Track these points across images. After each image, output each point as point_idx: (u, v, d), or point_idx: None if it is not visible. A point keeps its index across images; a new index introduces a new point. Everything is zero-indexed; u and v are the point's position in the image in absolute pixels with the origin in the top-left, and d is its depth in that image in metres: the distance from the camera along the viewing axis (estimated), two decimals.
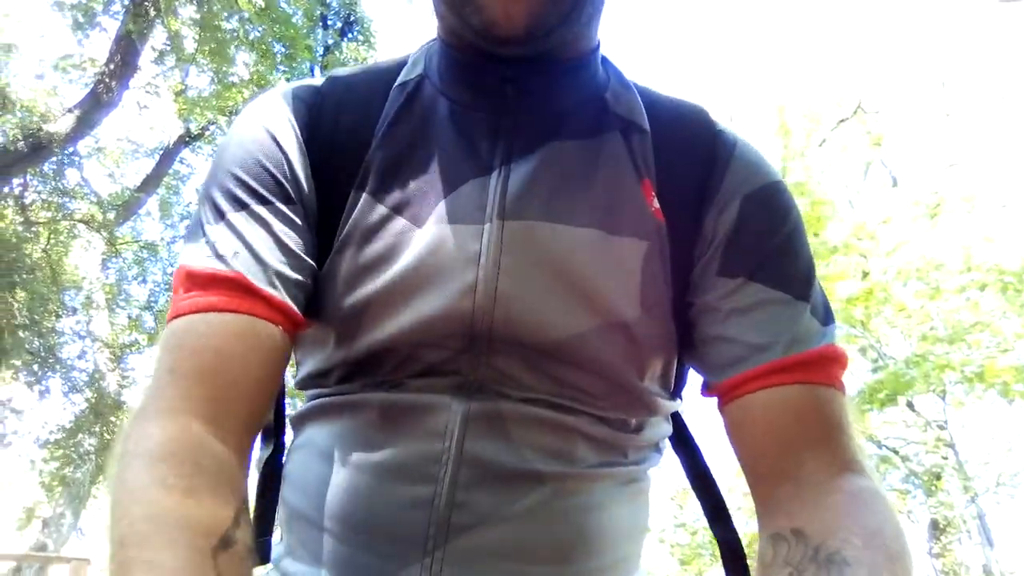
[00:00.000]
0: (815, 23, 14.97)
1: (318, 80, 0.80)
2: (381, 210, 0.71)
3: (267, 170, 0.71)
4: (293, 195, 0.71)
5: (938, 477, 9.57)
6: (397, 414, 0.68)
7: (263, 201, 0.70)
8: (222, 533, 0.55)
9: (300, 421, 0.77)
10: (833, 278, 8.40)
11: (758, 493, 0.70)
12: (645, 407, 0.74)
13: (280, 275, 0.67)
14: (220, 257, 0.65)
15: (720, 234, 0.72)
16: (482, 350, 0.68)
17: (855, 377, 13.57)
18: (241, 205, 0.69)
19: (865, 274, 9.13)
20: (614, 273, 0.69)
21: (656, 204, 0.72)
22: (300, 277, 0.69)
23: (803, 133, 12.79)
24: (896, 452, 10.08)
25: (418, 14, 12.27)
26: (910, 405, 9.47)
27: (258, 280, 0.65)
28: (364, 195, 0.72)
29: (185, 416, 0.60)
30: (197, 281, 0.64)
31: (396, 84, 0.79)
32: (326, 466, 0.70)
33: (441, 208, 0.70)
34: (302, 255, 0.70)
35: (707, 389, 0.75)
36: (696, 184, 0.74)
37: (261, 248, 0.67)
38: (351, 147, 0.74)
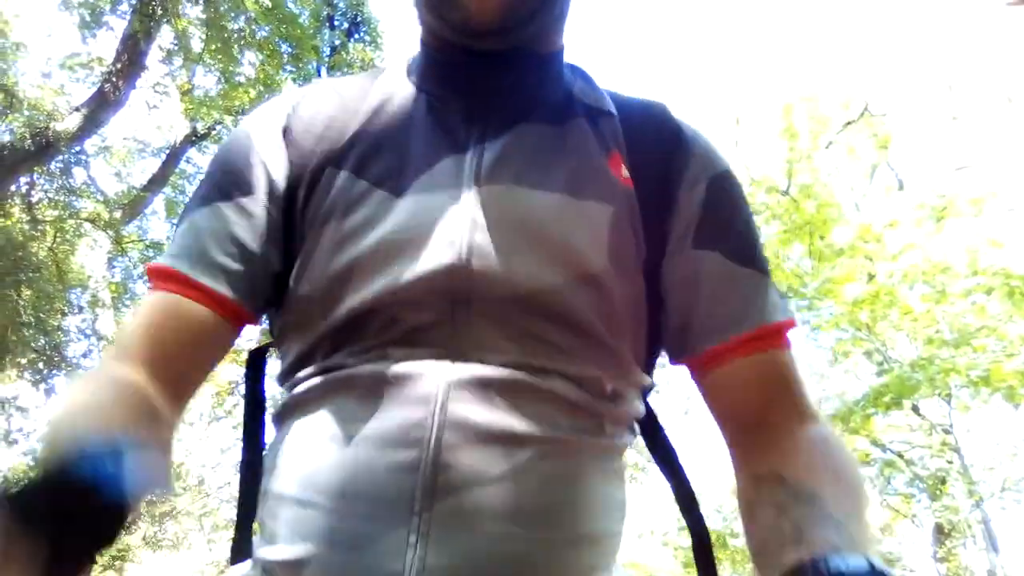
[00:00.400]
0: (822, 25, 14.95)
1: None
2: (362, 184, 0.76)
3: (231, 168, 0.80)
4: (257, 186, 0.78)
5: (943, 481, 9.54)
6: (382, 385, 0.70)
7: (223, 197, 0.78)
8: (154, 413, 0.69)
9: (283, 414, 0.78)
10: (839, 281, 8.38)
11: (737, 443, 0.78)
12: (617, 367, 0.77)
13: (221, 267, 0.75)
14: (173, 256, 0.76)
15: (693, 209, 0.79)
16: (461, 312, 0.71)
17: (860, 380, 13.54)
18: (205, 202, 0.79)
19: (871, 277, 9.10)
20: (583, 231, 0.74)
21: (626, 174, 0.79)
22: (242, 267, 0.76)
23: (809, 135, 12.77)
24: (901, 456, 10.05)
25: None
26: (915, 409, 9.43)
27: (194, 273, 0.74)
28: (345, 172, 0.77)
29: (132, 362, 0.71)
30: (153, 273, 0.77)
31: (378, 80, 0.86)
32: (311, 447, 0.72)
33: (420, 180, 0.75)
34: (252, 246, 0.77)
35: (680, 357, 0.81)
36: (664, 161, 0.81)
37: (209, 244, 0.76)
38: (331, 134, 0.80)
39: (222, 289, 0.75)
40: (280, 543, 0.70)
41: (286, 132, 0.81)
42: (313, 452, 0.71)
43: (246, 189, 0.78)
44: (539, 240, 0.73)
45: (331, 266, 0.74)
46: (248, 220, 0.77)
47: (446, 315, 0.71)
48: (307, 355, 0.77)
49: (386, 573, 0.63)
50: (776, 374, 0.77)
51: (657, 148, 0.81)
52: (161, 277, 0.76)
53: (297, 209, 0.78)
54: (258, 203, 0.78)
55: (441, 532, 0.64)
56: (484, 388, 0.69)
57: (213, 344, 0.77)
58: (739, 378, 0.77)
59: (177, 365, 0.74)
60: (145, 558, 20.70)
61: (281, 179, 0.79)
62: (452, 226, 0.72)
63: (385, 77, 0.87)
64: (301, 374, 0.77)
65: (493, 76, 0.81)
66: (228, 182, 0.79)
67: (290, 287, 0.78)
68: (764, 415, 0.75)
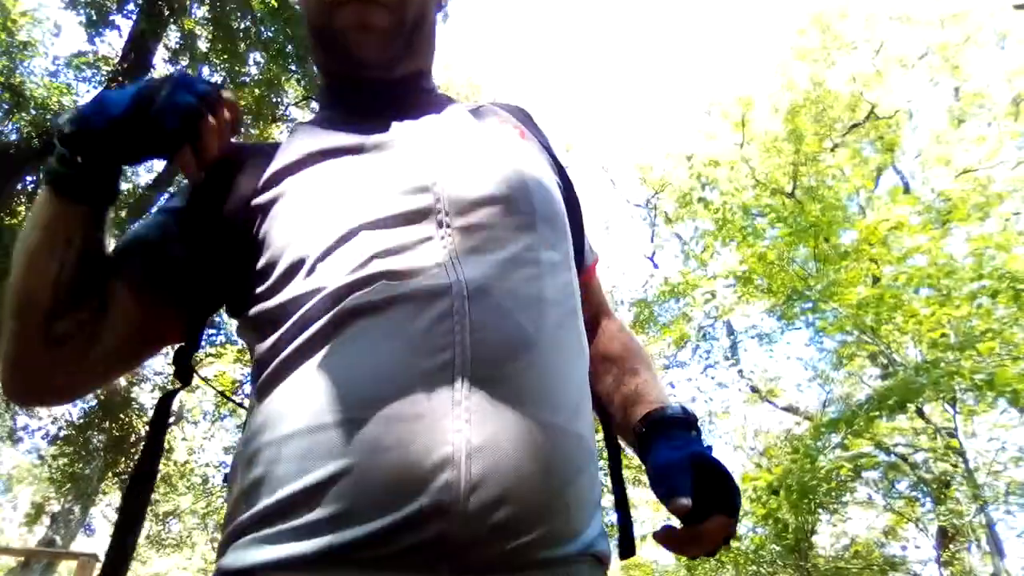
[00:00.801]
0: (829, 27, 14.86)
1: None
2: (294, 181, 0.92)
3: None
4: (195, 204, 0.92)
5: (947, 485, 9.51)
6: (399, 305, 0.76)
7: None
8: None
9: (270, 381, 0.80)
10: (843, 283, 8.37)
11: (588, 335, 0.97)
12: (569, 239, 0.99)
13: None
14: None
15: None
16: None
17: (865, 384, 13.51)
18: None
19: (876, 280, 9.08)
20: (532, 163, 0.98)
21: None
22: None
23: (815, 137, 12.76)
24: (905, 459, 10.02)
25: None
26: (920, 412, 9.41)
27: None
28: (290, 175, 0.91)
29: None
30: None
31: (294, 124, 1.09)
32: (322, 380, 0.74)
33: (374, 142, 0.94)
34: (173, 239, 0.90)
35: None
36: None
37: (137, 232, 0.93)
38: (260, 162, 0.94)
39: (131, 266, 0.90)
40: (289, 482, 0.71)
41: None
42: (326, 382, 0.73)
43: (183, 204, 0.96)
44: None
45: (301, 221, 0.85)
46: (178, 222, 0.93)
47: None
48: (289, 308, 0.81)
49: (438, 458, 0.68)
50: (603, 287, 1.24)
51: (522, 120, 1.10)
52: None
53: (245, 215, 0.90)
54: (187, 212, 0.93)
55: (482, 415, 0.71)
56: (488, 295, 0.78)
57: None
58: (593, 290, 1.15)
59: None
60: (149, 557, 20.74)
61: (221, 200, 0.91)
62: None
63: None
64: (286, 330, 0.80)
65: (383, 98, 0.99)
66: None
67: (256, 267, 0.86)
68: (599, 316, 1.17)
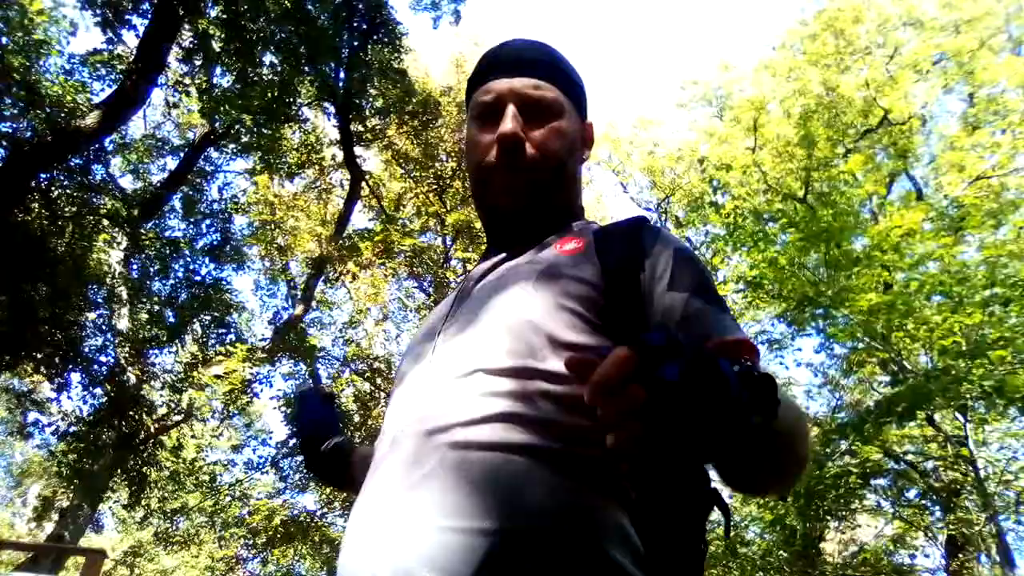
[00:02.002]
0: (843, 32, 14.81)
1: None
2: None
3: None
4: None
5: (957, 494, 9.45)
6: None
7: None
8: None
9: None
10: (855, 289, 8.33)
11: None
12: None
13: None
14: None
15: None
16: None
17: (875, 390, 13.43)
18: None
19: (887, 286, 9.04)
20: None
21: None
22: None
23: (828, 143, 12.72)
24: (914, 467, 9.97)
25: (448, 26, 12.32)
26: (930, 420, 9.36)
27: None
28: None
29: None
30: None
31: None
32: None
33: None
34: None
35: None
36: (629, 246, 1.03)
37: None
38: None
39: None
40: None
41: None
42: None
43: None
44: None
45: None
46: None
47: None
48: None
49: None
50: None
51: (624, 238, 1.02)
52: None
53: None
54: None
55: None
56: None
57: None
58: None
59: None
60: (157, 554, 20.81)
61: None
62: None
63: None
64: None
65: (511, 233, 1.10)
66: None
67: None
68: None
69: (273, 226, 15.45)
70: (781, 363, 13.41)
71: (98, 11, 8.91)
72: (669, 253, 0.97)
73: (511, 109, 1.04)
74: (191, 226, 13.68)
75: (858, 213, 10.24)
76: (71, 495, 11.26)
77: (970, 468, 8.69)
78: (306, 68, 10.47)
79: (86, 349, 11.59)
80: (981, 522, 8.91)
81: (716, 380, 0.56)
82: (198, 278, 13.04)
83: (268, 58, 10.44)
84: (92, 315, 11.81)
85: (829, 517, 10.01)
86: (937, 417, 9.44)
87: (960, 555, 10.20)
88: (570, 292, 0.93)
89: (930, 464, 10.02)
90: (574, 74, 1.14)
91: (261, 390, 12.55)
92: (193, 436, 14.30)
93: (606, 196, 19.57)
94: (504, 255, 1.07)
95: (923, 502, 10.32)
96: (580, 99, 1.13)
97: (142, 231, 12.30)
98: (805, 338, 12.30)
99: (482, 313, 0.95)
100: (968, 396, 7.47)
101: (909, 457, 10.08)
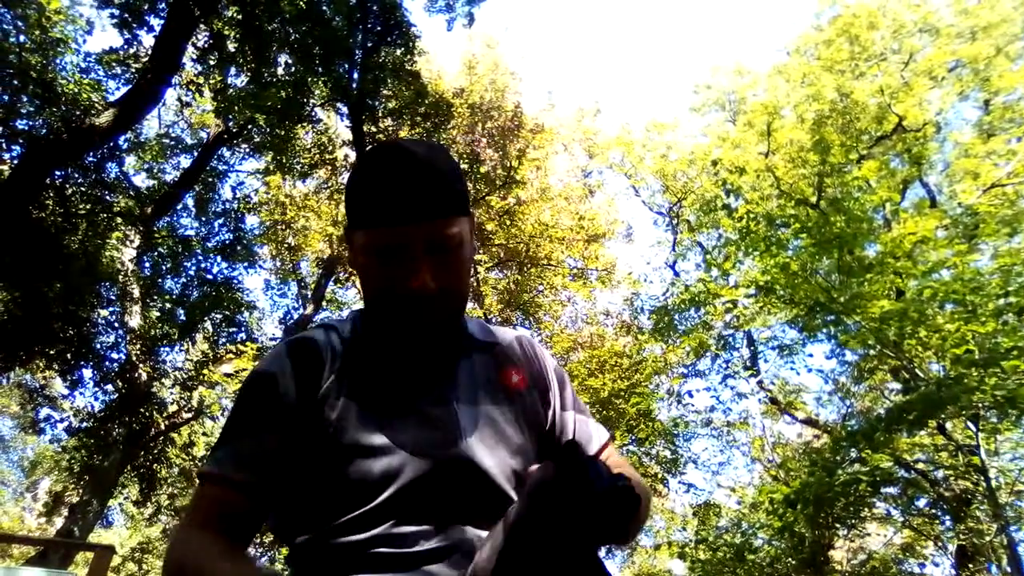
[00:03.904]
0: (855, 37, 14.78)
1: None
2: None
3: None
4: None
5: (968, 503, 9.37)
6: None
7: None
8: None
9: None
10: (867, 296, 8.28)
11: None
12: None
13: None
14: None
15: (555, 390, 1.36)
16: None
17: (885, 398, 13.35)
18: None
19: (900, 293, 8.98)
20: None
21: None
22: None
23: (841, 149, 12.65)
24: (925, 476, 9.89)
25: (461, 28, 12.34)
26: (941, 428, 9.29)
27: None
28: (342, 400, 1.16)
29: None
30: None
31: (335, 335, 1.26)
32: None
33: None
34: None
35: None
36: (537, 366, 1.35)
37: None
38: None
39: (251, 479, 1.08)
40: None
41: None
42: None
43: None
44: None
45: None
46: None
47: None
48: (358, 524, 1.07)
49: None
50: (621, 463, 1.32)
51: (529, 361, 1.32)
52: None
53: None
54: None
55: None
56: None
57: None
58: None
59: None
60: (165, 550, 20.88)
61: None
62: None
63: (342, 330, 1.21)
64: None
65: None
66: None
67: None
68: None
69: (284, 226, 15.51)
70: (792, 369, 13.36)
71: (115, 11, 8.97)
72: (555, 376, 1.32)
73: (421, 258, 1.10)
74: (203, 225, 13.76)
75: (871, 219, 10.18)
76: (81, 491, 11.32)
77: (981, 478, 8.61)
78: (320, 69, 10.50)
79: (98, 346, 11.67)
80: (992, 532, 8.83)
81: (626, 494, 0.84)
82: (209, 277, 13.12)
83: (282, 59, 10.49)
84: (104, 312, 11.89)
85: (838, 525, 9.95)
86: (948, 426, 9.37)
87: (970, 565, 10.12)
88: (533, 423, 1.24)
89: (940, 473, 9.94)
90: (460, 182, 1.17)
91: None
92: (203, 434, 14.37)
93: (618, 200, 19.50)
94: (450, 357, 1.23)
95: (933, 511, 10.24)
96: (467, 202, 1.19)
97: (155, 229, 12.37)
98: (816, 344, 12.26)
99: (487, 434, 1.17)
100: (980, 405, 7.41)
101: (920, 465, 10.01)
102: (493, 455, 1.13)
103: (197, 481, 1.11)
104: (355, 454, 1.06)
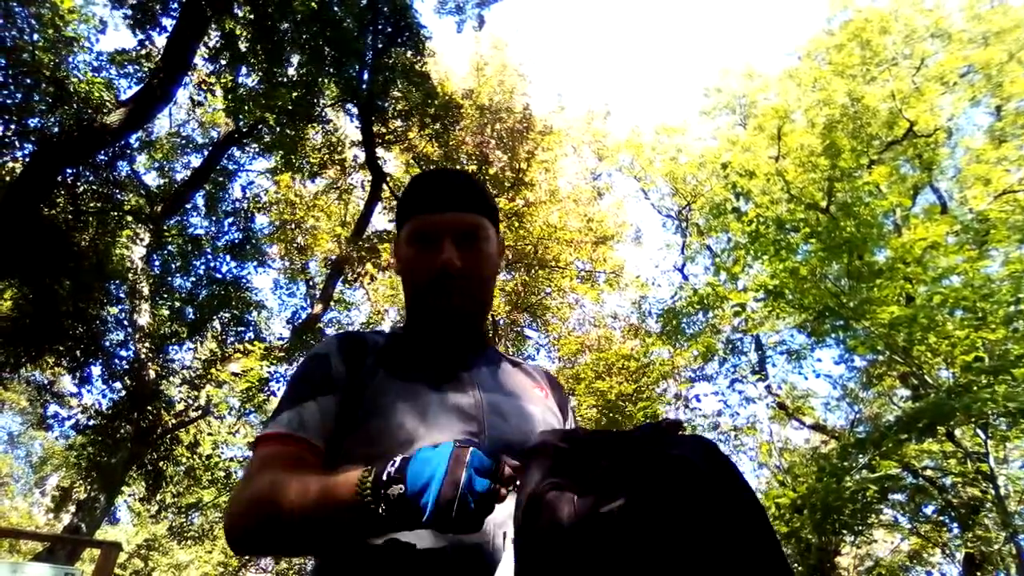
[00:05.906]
0: (867, 42, 14.75)
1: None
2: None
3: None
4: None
5: (976, 511, 9.32)
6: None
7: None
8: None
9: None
10: (876, 302, 8.24)
11: None
12: None
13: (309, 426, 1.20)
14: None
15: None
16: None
17: (894, 405, 13.27)
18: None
19: (909, 299, 8.93)
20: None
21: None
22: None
23: (852, 153, 12.61)
24: (933, 483, 9.85)
25: (471, 30, 12.36)
26: (950, 436, 9.24)
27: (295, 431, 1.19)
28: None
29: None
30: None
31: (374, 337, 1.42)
32: None
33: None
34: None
35: None
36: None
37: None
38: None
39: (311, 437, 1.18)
40: None
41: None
42: None
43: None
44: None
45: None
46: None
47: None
48: None
49: None
50: None
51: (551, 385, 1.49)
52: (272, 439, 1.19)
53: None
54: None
55: None
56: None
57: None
58: None
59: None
60: (171, 548, 20.95)
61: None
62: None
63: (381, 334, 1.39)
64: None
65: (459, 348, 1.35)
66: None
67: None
68: None
69: (293, 226, 15.54)
70: (800, 374, 13.30)
71: (128, 11, 9.00)
72: (569, 409, 1.47)
73: (448, 241, 1.28)
74: (213, 224, 13.78)
75: (881, 225, 10.13)
76: (88, 487, 11.35)
77: (990, 485, 8.56)
78: (330, 70, 10.52)
79: (107, 343, 11.71)
80: (1001, 541, 8.79)
81: None
82: (218, 276, 13.14)
83: (293, 59, 10.51)
84: (114, 310, 11.92)
85: (845, 531, 9.90)
86: (957, 433, 9.32)
87: (978, 573, 10.07)
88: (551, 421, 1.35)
89: (949, 480, 9.89)
90: (490, 198, 1.40)
91: (278, 388, 12.61)
92: (210, 433, 14.40)
93: (627, 202, 19.47)
94: (472, 355, 1.35)
95: (941, 518, 10.19)
96: (495, 214, 1.40)
97: (164, 228, 12.41)
98: (825, 349, 12.21)
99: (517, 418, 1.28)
100: (990, 413, 7.37)
101: (928, 472, 9.97)
102: (522, 435, 1.19)
103: (254, 448, 1.19)
104: (386, 416, 1.17)
